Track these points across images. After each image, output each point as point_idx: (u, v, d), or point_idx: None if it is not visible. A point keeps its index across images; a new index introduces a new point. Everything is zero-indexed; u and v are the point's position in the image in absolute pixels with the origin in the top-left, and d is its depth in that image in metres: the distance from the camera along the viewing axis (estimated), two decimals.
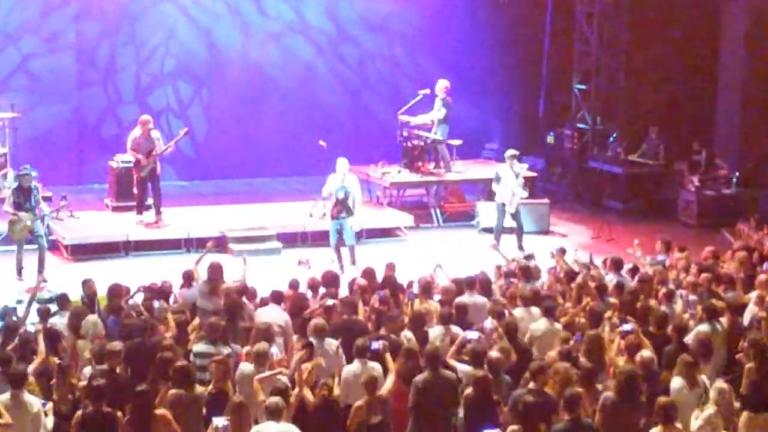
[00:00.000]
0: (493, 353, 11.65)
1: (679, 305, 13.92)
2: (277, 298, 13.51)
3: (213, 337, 12.07)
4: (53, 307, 13.52)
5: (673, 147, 24.04)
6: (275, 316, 13.08)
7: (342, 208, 18.37)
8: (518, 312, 13.38)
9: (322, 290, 14.11)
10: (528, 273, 14.99)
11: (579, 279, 14.60)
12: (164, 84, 24.36)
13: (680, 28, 25.33)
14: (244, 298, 13.69)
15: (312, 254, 17.69)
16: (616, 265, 15.43)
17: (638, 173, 23.79)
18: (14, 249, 17.64)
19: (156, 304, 13.26)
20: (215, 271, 14.20)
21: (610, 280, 14.82)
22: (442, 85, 21.91)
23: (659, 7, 25.23)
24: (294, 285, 14.38)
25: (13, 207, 17.24)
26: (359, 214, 18.74)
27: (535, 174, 22.31)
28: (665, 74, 25.34)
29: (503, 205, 19.83)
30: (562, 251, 16.32)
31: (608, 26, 24.68)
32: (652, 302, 13.74)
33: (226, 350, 11.88)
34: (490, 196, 21.83)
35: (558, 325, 13.02)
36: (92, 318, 12.98)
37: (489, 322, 12.87)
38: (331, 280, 14.48)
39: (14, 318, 13.08)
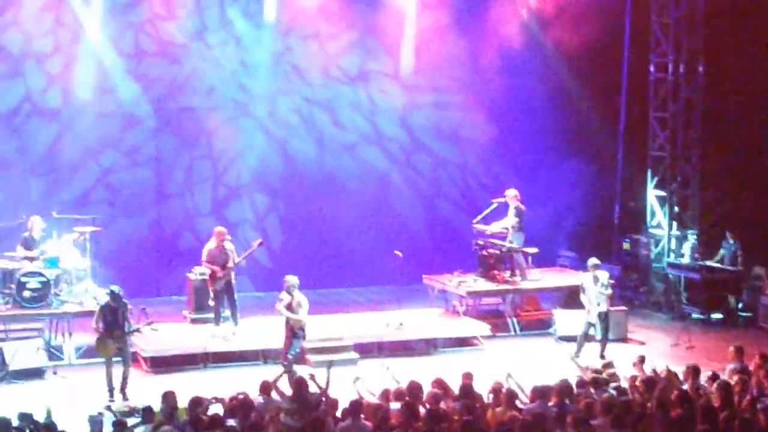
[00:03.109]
0: None
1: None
2: (355, 409, 13.45)
3: None
4: (130, 421, 13.58)
5: (752, 252, 23.78)
6: (356, 429, 13.04)
7: (287, 327, 17.85)
8: (597, 422, 13.20)
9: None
10: (602, 382, 14.82)
11: (659, 387, 14.43)
12: (241, 196, 24.67)
13: (754, 132, 25.25)
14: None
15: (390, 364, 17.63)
16: (694, 373, 15.25)
17: (716, 279, 23.52)
18: (90, 361, 17.82)
19: (231, 422, 13.24)
20: (300, 386, 14.21)
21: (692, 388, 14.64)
22: (512, 193, 22.01)
23: (733, 111, 25.20)
24: (384, 395, 14.33)
25: (103, 324, 17.40)
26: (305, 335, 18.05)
27: (611, 281, 22.16)
28: (741, 178, 25.21)
29: (588, 313, 19.70)
30: (642, 359, 16.16)
31: (682, 131, 24.66)
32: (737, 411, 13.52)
33: None
34: (567, 304, 21.80)
35: None
36: (166, 429, 13.00)
37: None
38: (415, 390, 14.39)
39: (101, 428, 13.22)
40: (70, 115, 23.25)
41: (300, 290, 17.84)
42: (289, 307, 17.64)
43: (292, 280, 17.87)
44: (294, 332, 17.65)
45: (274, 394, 14.63)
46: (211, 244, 19.78)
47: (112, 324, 17.27)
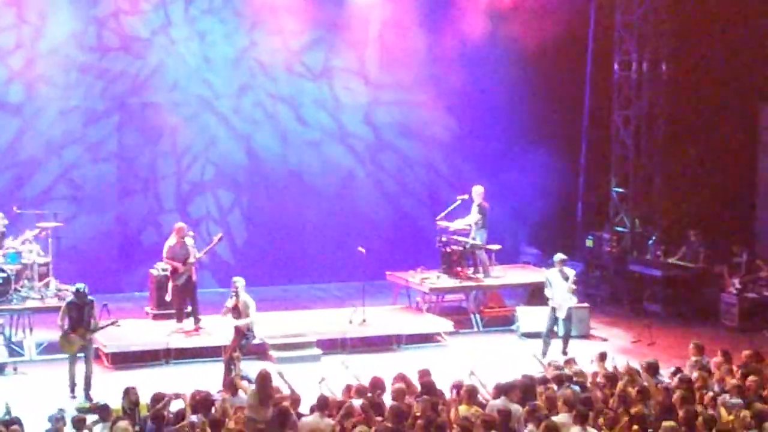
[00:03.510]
0: None
1: (723, 409, 13.77)
2: (321, 405, 13.43)
3: None
4: (89, 418, 13.52)
5: (713, 249, 23.92)
6: (319, 423, 13.03)
7: (234, 329, 17.80)
8: (560, 418, 13.24)
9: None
10: (564, 378, 14.88)
11: (620, 384, 14.50)
12: (204, 191, 24.59)
13: (717, 130, 25.41)
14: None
15: (353, 360, 17.63)
16: (653, 369, 15.34)
17: (678, 276, 23.63)
18: (51, 357, 17.72)
19: (194, 418, 13.22)
20: (264, 380, 14.17)
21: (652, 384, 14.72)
22: (478, 190, 22.04)
23: (696, 109, 25.34)
24: (346, 391, 14.34)
25: (68, 322, 17.27)
26: (255, 335, 18.04)
27: (575, 278, 22.23)
28: (703, 176, 25.35)
29: (554, 309, 19.75)
30: (603, 356, 16.23)
31: (646, 129, 24.79)
32: (698, 407, 13.60)
33: None
34: (530, 300, 21.85)
35: (592, 431, 12.88)
36: (122, 424, 12.93)
37: (528, 429, 12.80)
38: (377, 386, 14.39)
39: (61, 424, 13.15)
40: (32, 110, 23.10)
41: (248, 289, 17.82)
42: (236, 308, 17.61)
43: (239, 281, 17.85)
44: (244, 333, 17.60)
45: (240, 393, 14.63)
46: (171, 241, 19.73)
47: (77, 321, 17.18)
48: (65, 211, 21.88)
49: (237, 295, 17.62)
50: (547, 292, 19.93)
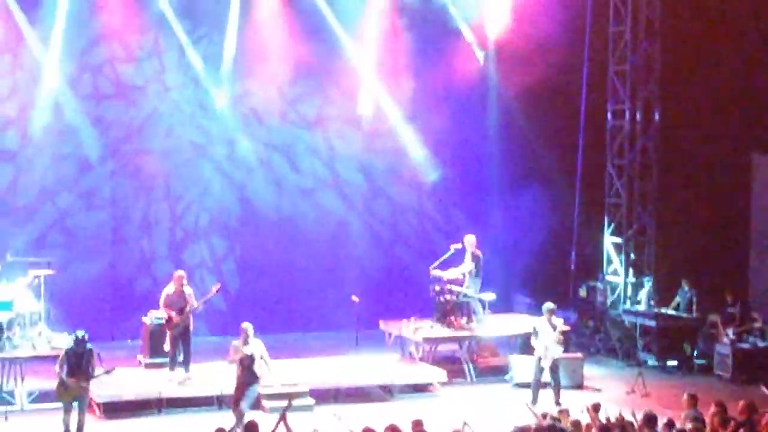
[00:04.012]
0: None
1: None
2: None
3: None
4: None
5: (707, 299, 23.89)
6: None
7: (249, 374, 17.66)
8: None
9: None
10: (558, 430, 14.80)
11: None
12: (198, 239, 24.57)
13: (711, 178, 25.45)
14: None
15: (346, 410, 17.58)
16: (650, 420, 15.26)
17: (672, 326, 23.58)
18: (43, 407, 17.63)
19: None
20: (252, 430, 14.09)
21: None
22: (470, 239, 22.02)
23: (689, 158, 25.37)
24: None
25: (67, 370, 17.12)
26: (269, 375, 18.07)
27: (568, 327, 22.17)
28: (697, 226, 25.34)
29: (540, 359, 19.72)
30: (596, 407, 16.15)
31: (638, 178, 24.83)
32: None
33: None
34: (523, 350, 21.77)
35: None
36: None
37: None
38: None
39: None
40: (26, 157, 23.14)
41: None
42: (249, 355, 17.47)
43: (249, 328, 17.73)
44: (254, 378, 17.46)
45: None
46: (169, 289, 19.64)
47: (76, 369, 17.06)
48: (59, 259, 21.81)
49: (247, 342, 17.50)
50: (534, 342, 19.92)
